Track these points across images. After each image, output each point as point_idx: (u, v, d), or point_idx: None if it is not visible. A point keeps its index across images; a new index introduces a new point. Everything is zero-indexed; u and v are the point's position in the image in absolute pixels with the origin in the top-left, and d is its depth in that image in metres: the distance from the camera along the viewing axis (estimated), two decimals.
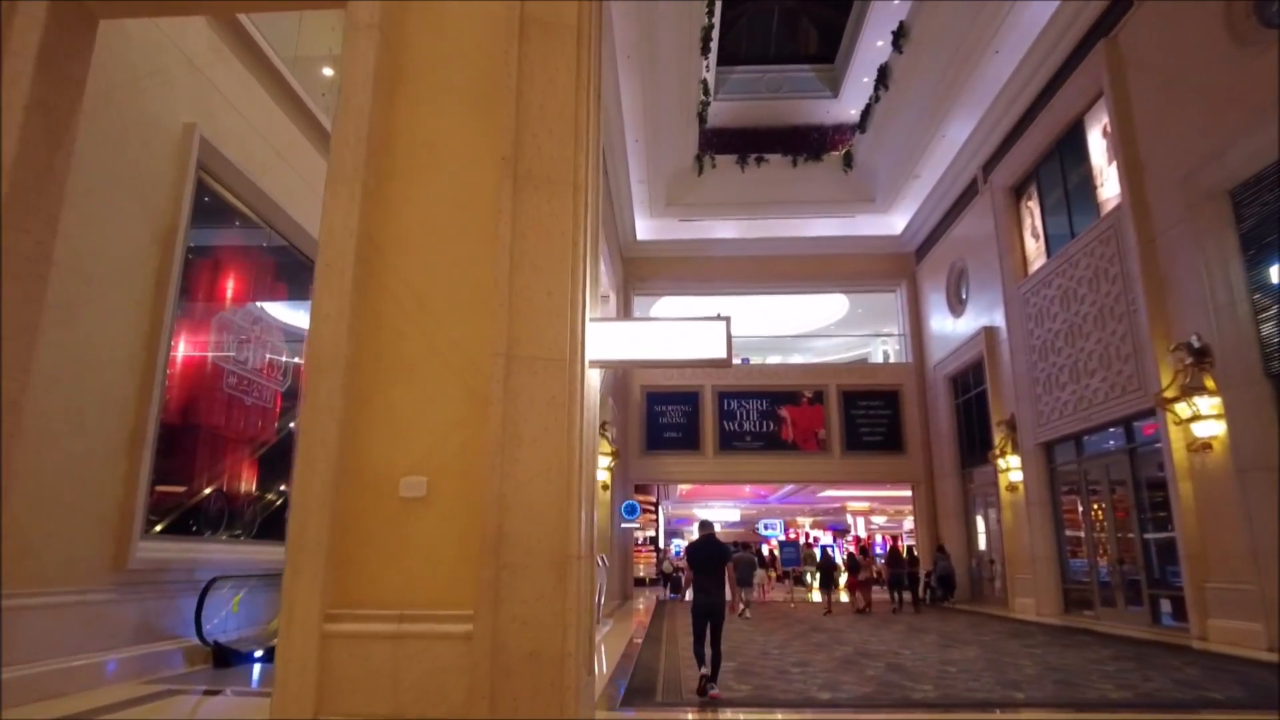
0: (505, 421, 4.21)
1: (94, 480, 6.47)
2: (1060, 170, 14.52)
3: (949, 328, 19.84)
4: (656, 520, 30.23)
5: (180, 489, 7.90)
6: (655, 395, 22.44)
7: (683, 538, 46.47)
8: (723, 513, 44.17)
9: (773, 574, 26.49)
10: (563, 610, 4.06)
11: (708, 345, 4.78)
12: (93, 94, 6.41)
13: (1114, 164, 12.42)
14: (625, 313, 22.76)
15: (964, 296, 18.98)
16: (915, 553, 20.61)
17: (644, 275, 23.27)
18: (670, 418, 22.34)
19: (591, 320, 4.89)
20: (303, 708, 3.91)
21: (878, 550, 33.43)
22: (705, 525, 7.59)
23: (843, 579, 21.46)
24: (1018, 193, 16.23)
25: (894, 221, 22.20)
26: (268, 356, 9.44)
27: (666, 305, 25.62)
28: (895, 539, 33.75)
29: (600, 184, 5.31)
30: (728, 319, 4.83)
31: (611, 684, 7.16)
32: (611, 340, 4.83)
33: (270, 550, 9.05)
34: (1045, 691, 6.71)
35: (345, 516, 4.26)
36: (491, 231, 4.49)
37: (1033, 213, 15.60)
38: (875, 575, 18.69)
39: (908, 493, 22.79)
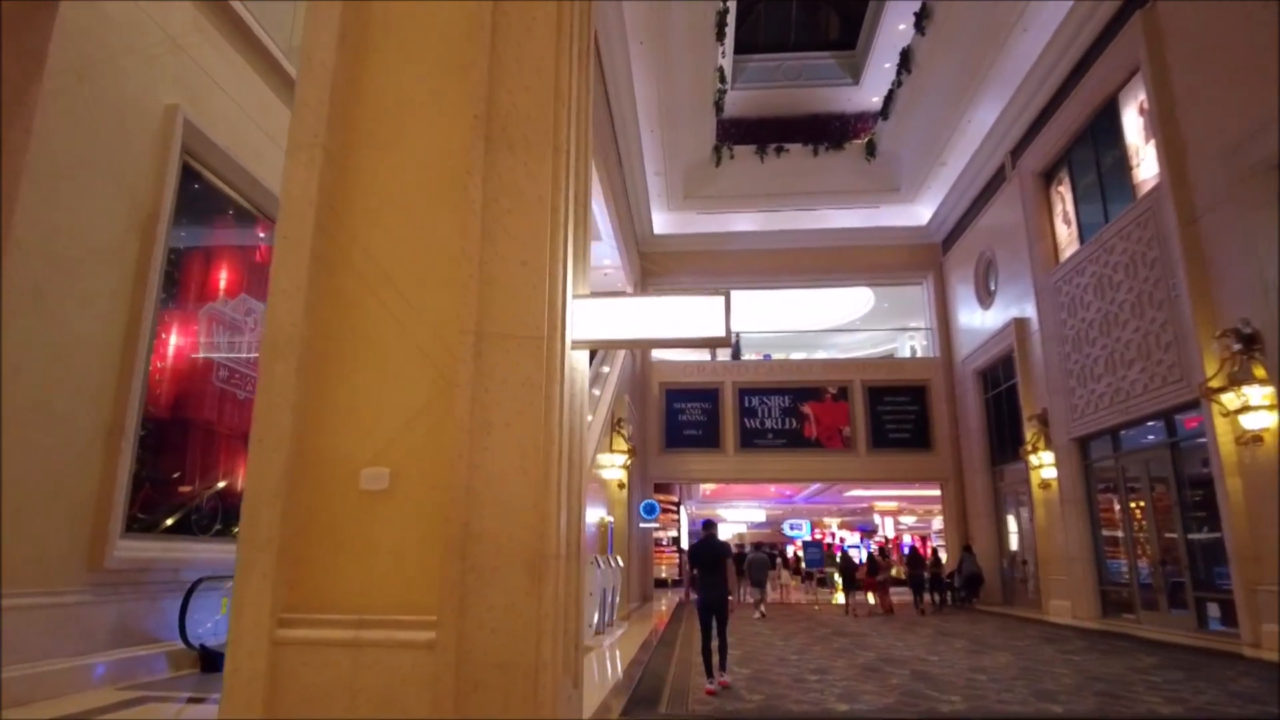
0: (474, 406, 3.78)
1: (65, 474, 6.15)
2: (1093, 152, 13.84)
3: (977, 320, 19.15)
4: (678, 520, 29.73)
5: (170, 485, 7.60)
6: (674, 392, 21.99)
7: None
8: (747, 513, 43.58)
9: (795, 575, 25.92)
10: (537, 617, 3.61)
11: (706, 322, 4.32)
12: (63, 71, 6.13)
13: (1152, 142, 11.75)
14: None
15: (993, 287, 18.30)
16: (938, 553, 20.06)
17: (662, 270, 22.81)
18: (690, 415, 21.86)
19: (577, 297, 4.45)
20: None
21: (905, 550, 32.69)
22: (708, 524, 7.95)
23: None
24: (1048, 178, 15.55)
25: (919, 211, 21.55)
26: None
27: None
28: (923, 539, 32.97)
29: (589, 148, 4.86)
30: (726, 293, 4.37)
31: (615, 693, 6.73)
32: (600, 319, 4.38)
33: None
34: (1086, 704, 6.16)
35: (301, 511, 3.86)
36: (462, 198, 4.07)
37: (1064, 198, 14.92)
38: (894, 576, 18.15)
39: (936, 491, 22.10)
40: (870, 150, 20.68)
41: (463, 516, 3.65)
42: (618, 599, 12.44)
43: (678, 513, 29.56)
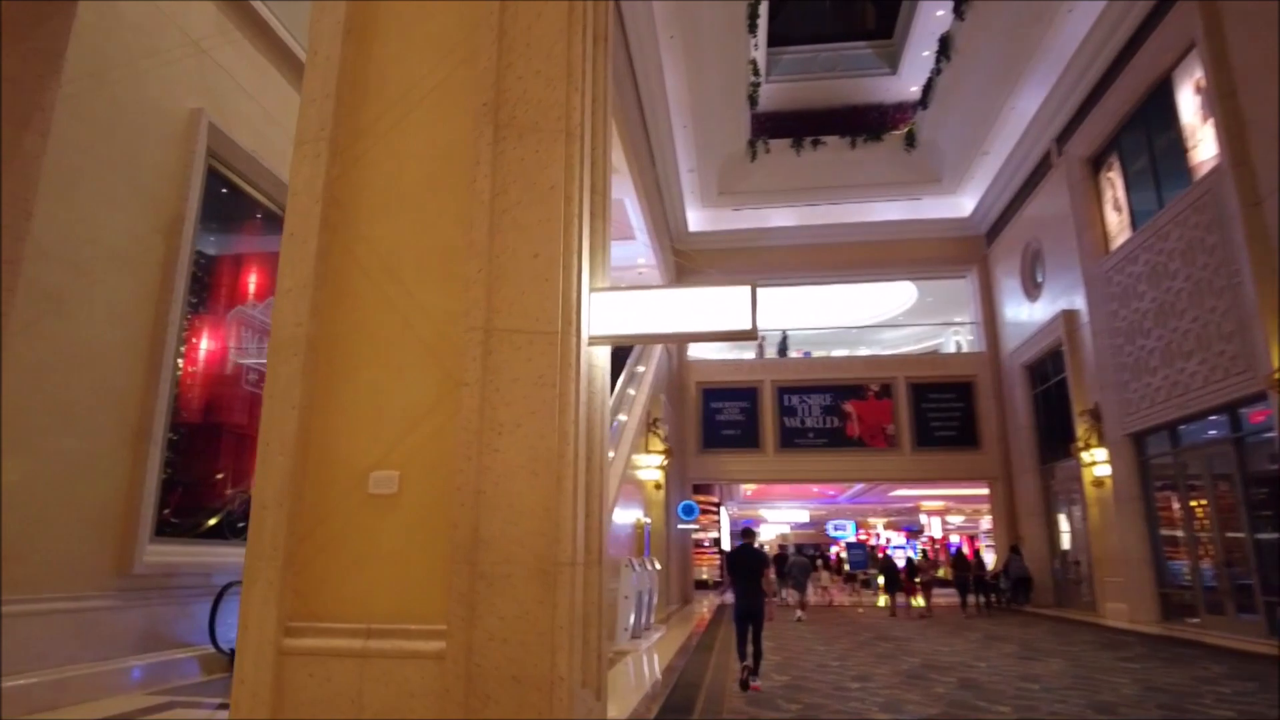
0: (483, 405, 3.60)
1: (90, 479, 6.13)
2: (1145, 135, 13.24)
3: (1024, 314, 18.53)
4: (719, 521, 29.38)
5: (203, 489, 7.59)
6: (712, 392, 21.70)
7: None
8: (790, 513, 43.04)
9: (837, 577, 25.41)
10: (551, 627, 3.42)
11: (731, 315, 4.08)
12: (81, 75, 6.11)
13: (1209, 122, 11.16)
14: None
15: (1040, 279, 17.68)
16: (980, 554, 19.62)
17: (697, 268, 22.49)
18: (728, 415, 21.55)
19: (595, 291, 4.25)
20: None
21: (952, 551, 31.94)
22: (745, 533, 8.17)
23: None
24: (1096, 164, 14.94)
25: (962, 203, 20.96)
26: None
27: None
28: (971, 539, 32.18)
29: (607, 134, 4.66)
30: (753, 284, 4.13)
31: (649, 700, 6.51)
32: (619, 313, 4.17)
33: None
34: (1149, 718, 5.77)
35: (308, 516, 3.72)
36: (470, 189, 3.89)
37: (1114, 184, 14.31)
38: (938, 577, 17.76)
39: (984, 491, 21.46)
40: (910, 141, 20.16)
41: (471, 521, 3.47)
42: (655, 601, 12.21)
43: (718, 514, 29.18)
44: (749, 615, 7.30)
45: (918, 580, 16.96)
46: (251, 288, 8.67)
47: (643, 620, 11.03)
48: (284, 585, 3.59)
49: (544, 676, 3.37)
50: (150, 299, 6.82)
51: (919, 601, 17.32)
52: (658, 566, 12.53)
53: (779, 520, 44.49)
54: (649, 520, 14.58)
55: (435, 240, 3.98)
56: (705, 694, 6.80)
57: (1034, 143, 17.00)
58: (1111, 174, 14.36)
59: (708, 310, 4.14)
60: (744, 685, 6.88)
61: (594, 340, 4.17)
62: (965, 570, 18.30)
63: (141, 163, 6.76)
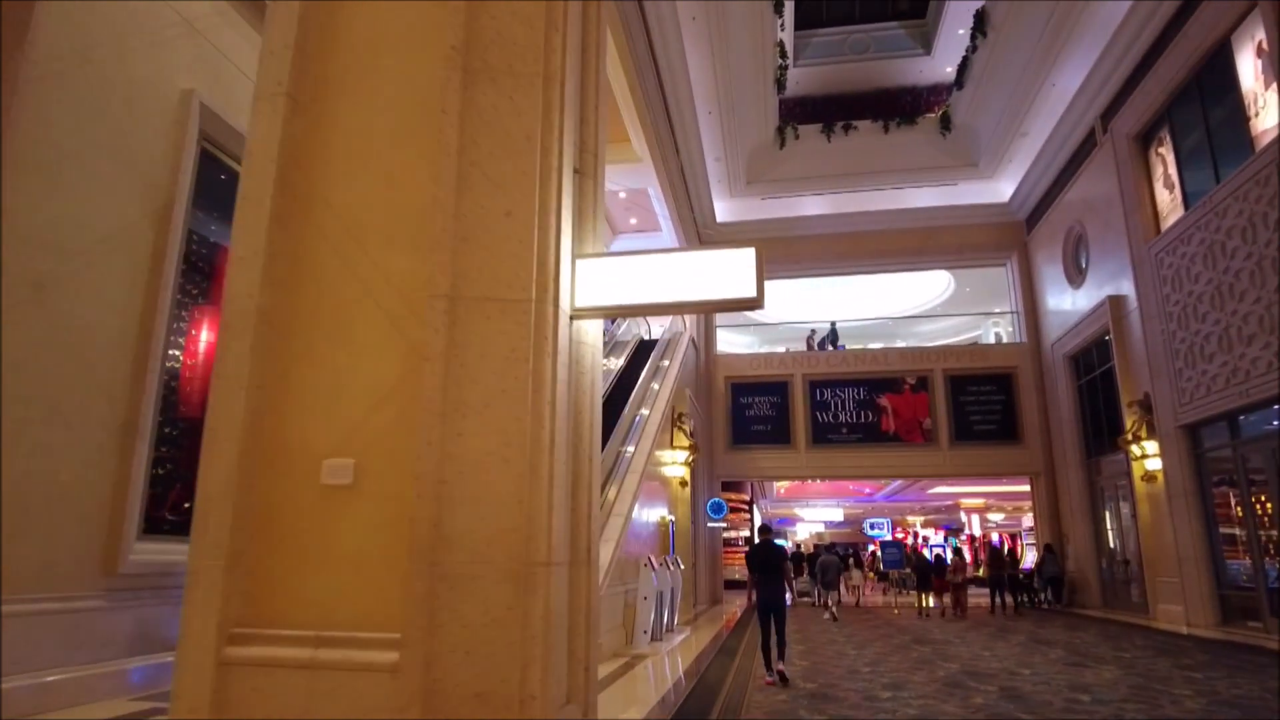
0: (447, 383, 3.17)
1: (75, 474, 5.83)
2: (1200, 106, 12.42)
3: (1067, 302, 17.69)
4: (751, 520, 28.78)
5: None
6: (740, 386, 21.14)
7: (785, 538, 44.74)
8: (825, 512, 42.27)
9: (870, 575, 24.72)
10: (523, 637, 2.97)
11: (734, 281, 3.61)
12: (63, 53, 5.84)
13: (1273, 87, 10.37)
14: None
15: (1084, 265, 16.84)
16: (1013, 552, 19.03)
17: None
18: (758, 410, 20.97)
19: (582, 257, 3.79)
20: None
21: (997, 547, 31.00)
22: (764, 530, 8.47)
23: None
24: (1145, 140, 14.12)
25: (1001, 187, 20.13)
26: None
27: None
28: (1013, 537, 31.19)
29: (599, 80, 4.20)
30: (757, 245, 3.65)
31: (661, 707, 6.05)
32: (608, 282, 3.71)
33: None
34: None
35: (257, 510, 3.32)
36: (436, 141, 3.47)
37: (1165, 160, 13.49)
38: (966, 577, 17.25)
39: (1026, 487, 20.62)
40: (945, 124, 19.40)
41: (431, 515, 3.04)
42: (679, 602, 11.75)
43: (749, 512, 28.61)
44: (771, 607, 7.59)
45: (953, 579, 16.30)
46: None
47: (664, 622, 10.57)
48: (229, 587, 3.20)
49: (513, 693, 2.93)
50: (141, 287, 6.52)
51: (943, 600, 16.75)
52: (681, 566, 12.05)
53: (814, 519, 43.72)
54: (674, 518, 14.11)
55: (405, 200, 3.57)
56: (722, 703, 6.32)
57: (1076, 121, 16.17)
58: (1162, 150, 13.54)
59: (708, 277, 3.67)
60: (769, 668, 7.36)
61: (580, 313, 3.72)
62: (1000, 568, 17.75)
63: (130, 144, 6.46)
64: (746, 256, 3.62)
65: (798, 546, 32.39)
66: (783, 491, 37.90)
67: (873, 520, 38.70)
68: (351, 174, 3.68)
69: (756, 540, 8.03)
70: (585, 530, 3.68)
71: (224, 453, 3.30)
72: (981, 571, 20.68)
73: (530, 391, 3.18)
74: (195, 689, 3.09)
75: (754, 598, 7.92)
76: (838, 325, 23.11)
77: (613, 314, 3.87)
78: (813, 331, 22.34)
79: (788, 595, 7.67)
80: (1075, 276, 17.25)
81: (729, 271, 3.64)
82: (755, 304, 3.59)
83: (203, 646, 3.13)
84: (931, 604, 16.81)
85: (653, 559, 9.92)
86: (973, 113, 18.58)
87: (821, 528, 43.92)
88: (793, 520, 45.01)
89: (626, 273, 3.74)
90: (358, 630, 3.12)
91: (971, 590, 18.75)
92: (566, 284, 3.54)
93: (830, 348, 21.96)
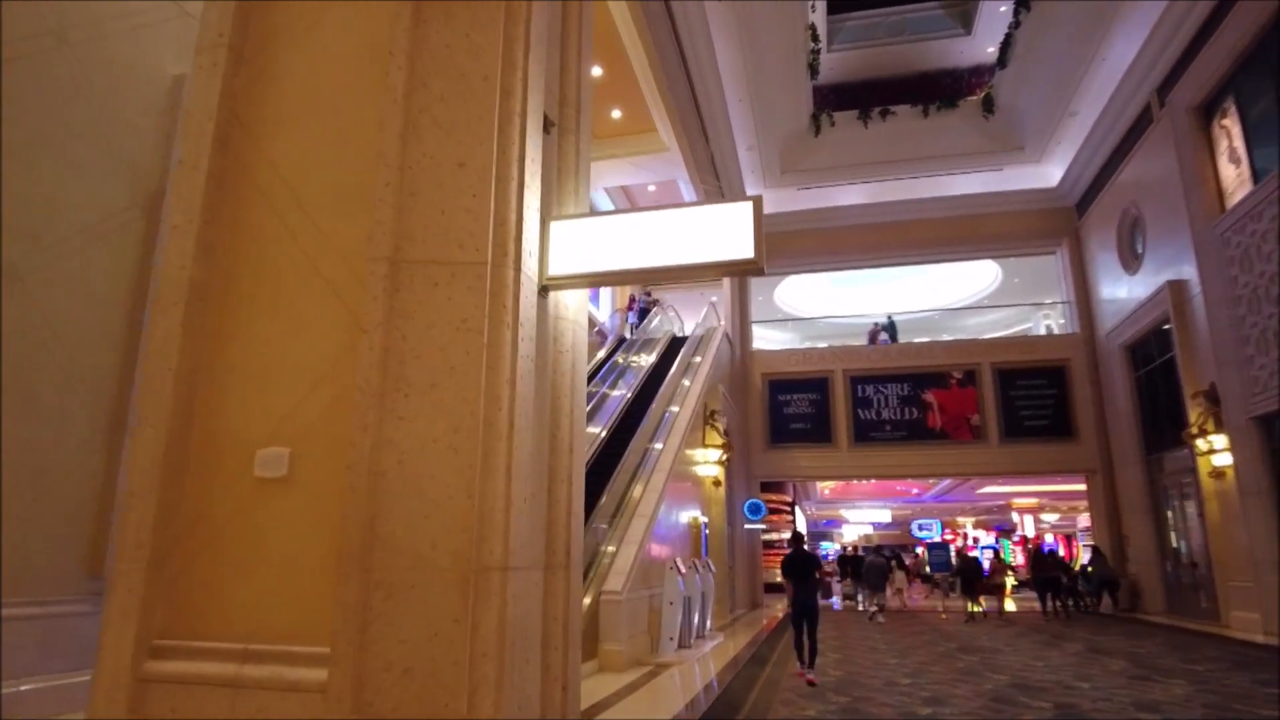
0: (386, 358, 2.74)
1: (58, 473, 5.55)
2: (1269, 72, 11.49)
3: (1123, 289, 16.70)
4: (793, 521, 28.05)
5: None
6: (778, 383, 20.49)
7: (831, 540, 43.77)
8: (872, 513, 41.30)
9: (914, 579, 23.96)
10: (470, 655, 2.53)
11: (729, 242, 3.13)
12: (40, 33, 5.60)
13: None
14: (740, 298, 20.99)
15: (1140, 249, 15.87)
16: (1056, 554, 18.39)
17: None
18: (796, 407, 20.30)
19: (559, 219, 3.34)
20: None
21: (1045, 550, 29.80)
22: (797, 538, 8.72)
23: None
24: (1207, 112, 13.19)
25: (1049, 172, 19.17)
26: None
27: (791, 285, 23.60)
28: (1068, 539, 29.93)
29: (584, 30, 3.75)
30: (757, 197, 3.16)
31: None
32: (587, 245, 3.25)
33: None
34: None
35: (188, 507, 2.94)
36: (382, 85, 3.05)
37: (1229, 133, 12.56)
38: (1004, 581, 16.65)
39: (1082, 485, 19.60)
40: (988, 106, 18.54)
41: (365, 512, 2.61)
42: (710, 607, 11.23)
43: (792, 514, 27.88)
44: (805, 612, 7.81)
45: (994, 581, 15.67)
46: None
47: (694, 628, 10.06)
48: (151, 594, 2.83)
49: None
50: (128, 277, 6.24)
51: (1011, 604, 16.01)
52: (713, 569, 11.53)
53: (860, 520, 42.75)
54: (706, 519, 13.58)
55: (354, 158, 3.16)
56: (745, 716, 5.81)
57: (1130, 96, 15.24)
58: (1226, 122, 12.61)
59: (701, 237, 3.18)
60: (803, 677, 7.47)
61: (556, 282, 3.27)
62: (1046, 571, 16.98)
63: (115, 130, 6.18)
64: (743, 212, 3.13)
65: (844, 549, 31.52)
66: (827, 493, 37.01)
67: (921, 522, 37.61)
68: (298, 131, 3.28)
69: (790, 549, 8.47)
70: (564, 530, 3.23)
71: (149, 441, 2.92)
72: (1009, 578, 19.73)
73: (484, 368, 2.73)
74: (110, 708, 2.71)
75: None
76: (874, 319, 22.37)
77: (593, 282, 3.41)
78: (875, 325, 21.52)
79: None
80: (1131, 262, 16.28)
81: (724, 230, 3.15)
82: (753, 266, 3.09)
83: (119, 661, 2.76)
84: (981, 608, 16.07)
85: (679, 562, 9.42)
86: (1017, 93, 17.70)
87: (869, 529, 42.89)
88: (839, 522, 44.04)
89: (608, 235, 3.28)
90: (289, 643, 2.71)
91: (1024, 594, 18.16)
92: (532, 246, 3.09)
93: (889, 341, 21.13)
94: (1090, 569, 17.61)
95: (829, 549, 41.53)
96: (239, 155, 3.27)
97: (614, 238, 3.26)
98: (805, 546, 8.58)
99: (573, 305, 3.51)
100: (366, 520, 2.59)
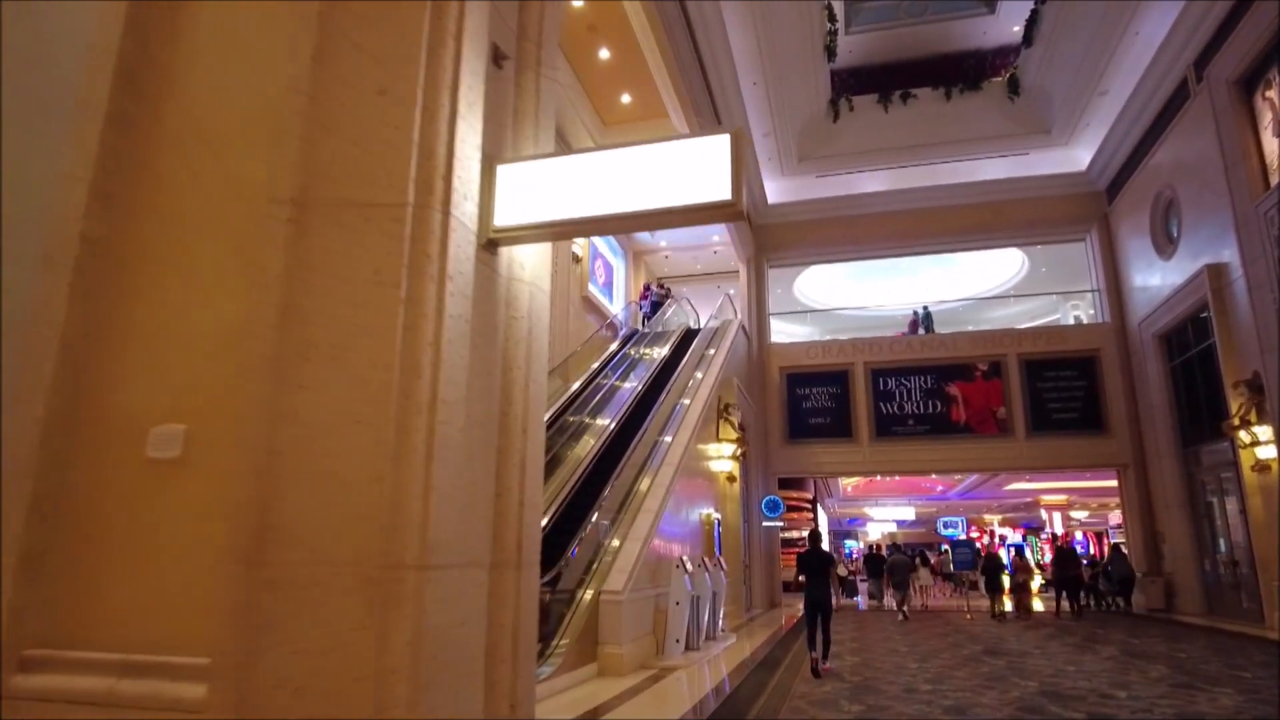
0: (286, 318, 2.31)
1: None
2: None
3: (1156, 276, 15.97)
4: (815, 519, 27.44)
5: None
6: (796, 376, 19.92)
7: (856, 539, 43.04)
8: (896, 511, 40.62)
9: (936, 577, 23.43)
10: (376, 669, 2.09)
11: (703, 182, 2.67)
12: None
13: None
14: (757, 290, 20.44)
15: (1175, 233, 15.14)
16: (1075, 551, 18.22)
17: (780, 244, 20.81)
18: (815, 401, 19.72)
19: (511, 162, 2.90)
20: None
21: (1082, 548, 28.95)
22: (813, 536, 9.34)
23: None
24: (1249, 85, 12.46)
25: (1077, 155, 18.44)
26: None
27: (811, 277, 23.02)
28: (1099, 536, 29.07)
29: None
30: (738, 129, 2.70)
31: None
32: (540, 191, 2.78)
33: None
34: None
35: (76, 494, 2.54)
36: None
37: (1274, 105, 11.84)
38: (1028, 580, 17.02)
39: (1113, 481, 18.85)
40: (1013, 87, 17.85)
41: (255, 497, 2.18)
42: (722, 607, 10.75)
43: (813, 511, 27.26)
44: (818, 605, 8.32)
45: (1018, 579, 15.30)
46: None
47: (704, 629, 9.59)
48: (22, 595, 2.43)
49: None
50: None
51: (1039, 604, 15.54)
52: (725, 567, 11.04)
53: (884, 518, 42.06)
54: (720, 516, 13.10)
55: (264, 88, 2.74)
56: None
57: (1165, 72, 14.51)
58: (1270, 94, 11.89)
59: (671, 178, 2.71)
60: (815, 672, 7.92)
61: (505, 235, 2.82)
62: (1070, 569, 16.73)
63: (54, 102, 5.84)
64: (718, 146, 2.66)
65: (870, 548, 30.80)
66: (850, 490, 36.34)
67: (946, 519, 36.74)
68: (213, 65, 2.88)
69: (806, 545, 9.06)
70: (515, 522, 2.79)
71: (21, 419, 2.52)
72: (1036, 576, 19.33)
73: (400, 329, 2.29)
74: None
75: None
76: (897, 313, 21.73)
77: (551, 234, 2.96)
78: (915, 313, 20.80)
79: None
80: (1165, 247, 15.55)
81: (697, 170, 2.68)
82: (731, 209, 2.63)
83: None
84: (1006, 607, 15.59)
85: (685, 560, 8.95)
86: (1044, 73, 17.00)
87: (893, 527, 42.16)
88: (863, 520, 43.32)
89: (563, 179, 2.83)
90: (172, 654, 2.29)
91: (1051, 593, 17.79)
92: (469, 189, 2.64)
93: (924, 332, 20.45)
94: (1111, 568, 17.30)
95: (853, 547, 40.87)
96: (144, 92, 2.87)
97: (571, 182, 2.80)
98: (821, 545, 9.07)
99: (530, 265, 3.06)
100: (257, 508, 2.17)
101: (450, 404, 2.37)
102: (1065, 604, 16.42)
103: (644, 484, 10.04)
